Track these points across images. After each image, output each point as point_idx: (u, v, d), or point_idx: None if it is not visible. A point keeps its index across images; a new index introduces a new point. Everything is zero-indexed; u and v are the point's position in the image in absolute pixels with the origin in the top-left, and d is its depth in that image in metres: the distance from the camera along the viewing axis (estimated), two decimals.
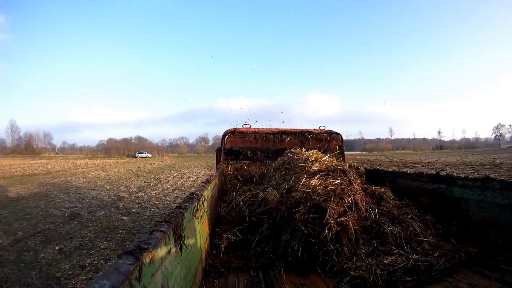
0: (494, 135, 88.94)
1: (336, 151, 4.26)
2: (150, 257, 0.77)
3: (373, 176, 3.41)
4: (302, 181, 2.15)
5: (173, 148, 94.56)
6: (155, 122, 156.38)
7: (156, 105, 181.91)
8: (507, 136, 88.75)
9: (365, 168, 3.53)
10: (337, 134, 4.41)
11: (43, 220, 6.07)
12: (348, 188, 2.07)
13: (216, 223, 2.41)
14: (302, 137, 4.29)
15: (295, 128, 4.40)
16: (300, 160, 2.73)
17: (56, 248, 4.33)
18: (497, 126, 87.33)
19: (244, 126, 4.27)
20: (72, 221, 6.03)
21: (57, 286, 3.21)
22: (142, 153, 65.61)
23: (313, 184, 2.09)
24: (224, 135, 4.19)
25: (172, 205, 7.45)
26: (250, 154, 4.19)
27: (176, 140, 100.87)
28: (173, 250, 0.99)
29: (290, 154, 3.10)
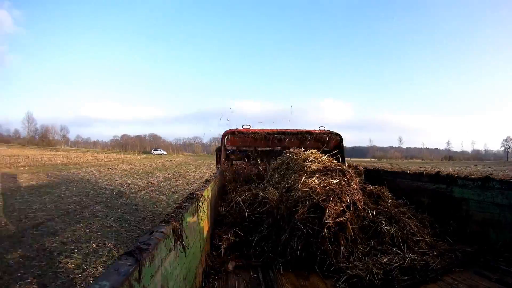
0: (503, 147, 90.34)
1: (335, 151, 4.27)
2: (150, 258, 0.77)
3: (373, 176, 3.41)
4: (302, 181, 2.16)
5: (187, 147, 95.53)
6: (167, 120, 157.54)
7: (169, 104, 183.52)
8: None
9: (364, 168, 3.53)
10: (337, 134, 4.40)
11: (97, 196, 7.77)
12: (347, 187, 2.08)
13: (217, 222, 2.42)
14: (302, 138, 4.29)
15: (295, 128, 4.40)
16: (299, 160, 2.76)
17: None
18: (506, 139, 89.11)
19: (244, 127, 4.27)
20: (121, 198, 7.64)
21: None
22: (157, 150, 67.47)
23: (312, 183, 2.10)
24: (224, 135, 4.19)
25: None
26: (250, 154, 4.19)
27: (190, 139, 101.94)
28: (173, 251, 0.99)
29: (289, 154, 3.13)
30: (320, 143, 4.31)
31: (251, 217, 2.36)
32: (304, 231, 1.83)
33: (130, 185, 10.08)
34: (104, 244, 4.08)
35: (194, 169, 19.26)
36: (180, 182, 11.78)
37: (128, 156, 42.54)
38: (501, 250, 1.86)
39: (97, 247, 3.93)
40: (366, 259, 1.76)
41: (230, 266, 1.78)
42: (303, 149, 3.25)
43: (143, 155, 49.67)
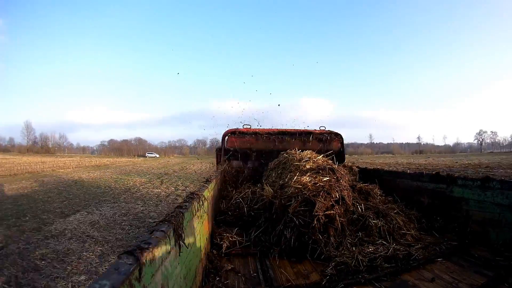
0: (477, 140, 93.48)
1: (336, 151, 4.27)
2: (150, 257, 0.77)
3: (373, 176, 3.41)
4: (294, 178, 2.33)
5: (174, 149, 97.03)
6: (149, 123, 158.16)
7: (150, 107, 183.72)
8: (488, 141, 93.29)
9: (364, 168, 3.61)
10: (337, 134, 4.40)
11: (154, 178, 13.00)
12: (336, 184, 2.24)
13: (217, 221, 2.50)
14: (303, 138, 4.28)
15: (295, 128, 4.39)
16: (295, 160, 2.89)
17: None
18: (479, 132, 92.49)
19: (245, 127, 4.26)
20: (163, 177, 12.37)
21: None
22: (151, 153, 73.86)
23: (304, 181, 2.27)
24: (224, 135, 4.18)
25: (206, 175, 13.14)
26: (250, 154, 4.18)
27: (175, 142, 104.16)
28: (173, 250, 0.99)
29: (286, 154, 3.26)
30: (321, 142, 4.30)
31: (250, 212, 2.51)
32: (297, 222, 1.99)
33: (163, 174, 15.15)
34: None
35: (192, 165, 23.52)
36: (192, 169, 18.60)
37: (131, 159, 45.86)
38: (501, 250, 1.86)
39: None
40: (354, 248, 1.90)
41: (229, 266, 1.81)
42: (300, 150, 3.39)
43: (141, 158, 53.04)
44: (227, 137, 4.17)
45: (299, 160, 2.84)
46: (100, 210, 6.10)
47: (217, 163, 4.32)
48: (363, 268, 1.71)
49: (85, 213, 5.81)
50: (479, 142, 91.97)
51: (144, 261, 0.72)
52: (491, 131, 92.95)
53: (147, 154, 70.78)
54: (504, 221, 1.92)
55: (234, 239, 2.14)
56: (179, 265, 1.06)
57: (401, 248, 1.90)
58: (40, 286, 2.80)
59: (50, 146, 79.22)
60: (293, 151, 3.31)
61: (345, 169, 3.23)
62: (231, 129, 4.19)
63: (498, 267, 1.67)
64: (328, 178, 2.30)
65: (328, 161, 2.94)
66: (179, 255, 1.06)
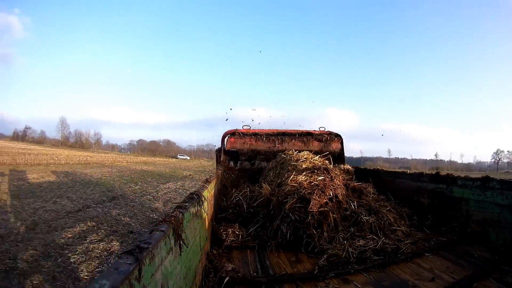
0: (493, 160, 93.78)
1: (336, 152, 4.27)
2: (150, 257, 0.77)
3: (373, 176, 3.41)
4: (291, 177, 2.48)
5: (201, 154, 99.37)
6: (174, 125, 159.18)
7: (175, 110, 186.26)
8: (505, 161, 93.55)
9: (353, 167, 3.76)
10: (337, 135, 4.39)
11: (197, 172, 19.79)
12: (330, 183, 2.39)
13: (217, 220, 2.59)
14: (303, 138, 4.28)
15: (295, 129, 4.39)
16: (292, 160, 3.01)
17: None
18: (497, 151, 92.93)
19: (244, 127, 4.26)
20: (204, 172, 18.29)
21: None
22: (182, 155, 78.12)
23: (300, 179, 2.42)
24: (224, 136, 4.18)
25: None
26: (250, 155, 4.18)
27: (203, 146, 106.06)
28: (173, 250, 0.99)
29: (284, 155, 3.37)
30: (321, 143, 4.30)
31: (249, 209, 2.66)
32: (292, 218, 2.14)
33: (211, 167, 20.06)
34: None
35: None
36: None
37: (165, 159, 52.18)
38: (501, 250, 1.86)
39: None
40: (345, 242, 2.02)
41: (230, 267, 1.81)
42: (300, 151, 3.49)
43: (174, 159, 57.70)
44: (227, 137, 4.17)
45: (296, 160, 2.96)
46: (180, 183, 12.35)
47: (217, 164, 4.32)
48: (353, 260, 1.83)
49: (173, 183, 12.18)
50: (496, 161, 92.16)
51: (144, 261, 0.72)
52: (507, 151, 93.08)
53: (178, 156, 74.93)
54: (504, 221, 1.92)
55: (237, 232, 2.29)
56: (178, 265, 1.05)
57: (390, 242, 2.02)
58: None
59: (84, 141, 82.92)
60: (290, 152, 3.39)
61: (341, 170, 3.33)
62: (231, 130, 4.19)
63: (484, 262, 1.74)
64: (322, 177, 2.44)
65: (324, 161, 3.04)
66: (179, 255, 1.06)
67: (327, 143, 4.32)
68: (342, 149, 4.37)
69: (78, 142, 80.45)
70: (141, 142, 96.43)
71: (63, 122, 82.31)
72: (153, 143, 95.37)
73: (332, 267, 1.77)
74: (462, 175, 2.40)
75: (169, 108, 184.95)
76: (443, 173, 2.60)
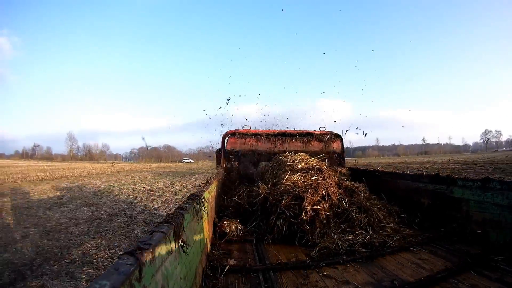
0: (482, 140, 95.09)
1: (337, 152, 4.29)
2: (151, 257, 0.77)
3: (373, 176, 3.42)
4: (286, 177, 2.67)
5: (202, 156, 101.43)
6: (171, 130, 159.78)
7: (168, 114, 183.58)
8: (494, 140, 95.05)
9: (352, 168, 3.86)
10: (338, 135, 4.40)
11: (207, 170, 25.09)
12: (323, 183, 2.56)
13: (220, 214, 2.76)
14: (303, 138, 4.29)
15: (296, 129, 4.39)
16: (288, 161, 3.17)
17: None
18: (485, 131, 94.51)
19: (244, 128, 4.26)
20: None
21: None
22: (186, 159, 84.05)
23: (294, 179, 2.60)
24: (224, 137, 4.18)
25: None
26: (250, 155, 4.18)
27: (203, 148, 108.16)
28: (173, 251, 0.99)
29: (280, 156, 3.51)
30: (321, 143, 4.31)
31: (248, 207, 2.81)
32: (287, 214, 2.30)
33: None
34: None
35: None
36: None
37: (171, 164, 55.81)
38: (501, 250, 1.86)
39: None
40: (335, 236, 2.16)
41: (231, 262, 1.88)
42: (299, 151, 3.66)
43: (179, 163, 62.05)
44: (227, 138, 4.17)
45: (292, 161, 3.13)
46: (202, 175, 18.17)
47: (217, 164, 4.32)
48: (342, 251, 1.97)
49: (201, 175, 17.86)
50: (485, 141, 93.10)
51: (144, 261, 0.73)
52: (495, 130, 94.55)
53: (183, 160, 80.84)
54: (504, 221, 1.92)
55: (238, 227, 2.47)
56: (179, 266, 1.06)
57: (378, 237, 2.16)
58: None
59: (94, 154, 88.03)
60: (287, 154, 3.54)
61: (336, 171, 3.47)
62: (231, 130, 4.19)
63: (469, 256, 1.81)
64: (316, 177, 2.62)
65: (320, 162, 3.18)
66: (179, 256, 1.06)
67: (328, 143, 4.33)
68: (342, 149, 4.38)
69: (87, 155, 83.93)
70: (142, 150, 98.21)
71: (71, 137, 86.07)
72: (154, 149, 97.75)
73: (323, 258, 1.92)
74: (462, 176, 2.41)
75: (163, 112, 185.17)
76: (443, 174, 2.60)
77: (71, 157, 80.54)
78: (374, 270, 1.72)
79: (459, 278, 1.57)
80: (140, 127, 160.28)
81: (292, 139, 4.28)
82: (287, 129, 4.41)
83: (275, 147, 4.21)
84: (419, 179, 2.74)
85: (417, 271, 1.67)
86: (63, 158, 79.41)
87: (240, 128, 4.26)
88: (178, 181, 14.49)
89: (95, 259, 3.66)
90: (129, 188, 11.37)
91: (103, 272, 0.64)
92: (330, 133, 4.37)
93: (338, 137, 4.39)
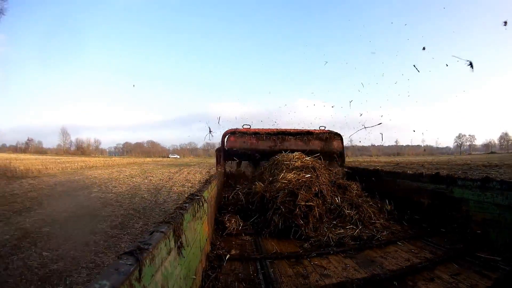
0: (456, 144, 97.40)
1: (337, 151, 4.29)
2: (150, 257, 0.77)
3: (372, 176, 3.42)
4: (281, 175, 2.81)
5: (186, 152, 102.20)
6: (150, 126, 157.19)
7: (148, 110, 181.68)
8: (467, 144, 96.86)
9: (353, 168, 3.99)
10: (337, 134, 4.40)
11: (202, 163, 31.84)
12: (316, 180, 2.71)
13: (221, 210, 2.92)
14: (303, 137, 4.28)
15: (296, 128, 4.39)
16: (285, 160, 3.28)
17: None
18: (459, 135, 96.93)
19: (244, 127, 4.26)
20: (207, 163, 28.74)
21: None
22: (173, 155, 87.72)
23: (289, 177, 2.73)
24: (224, 135, 4.18)
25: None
26: (250, 154, 4.17)
27: (186, 144, 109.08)
28: (173, 251, 0.99)
29: (277, 156, 3.59)
30: (322, 142, 4.30)
31: (247, 204, 2.95)
32: (283, 210, 2.45)
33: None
34: None
35: (211, 160, 31.58)
36: (213, 161, 25.90)
37: (160, 159, 57.06)
38: (501, 250, 1.86)
39: None
40: (326, 230, 2.31)
41: (232, 251, 2.08)
42: (290, 151, 3.74)
43: (166, 158, 64.11)
44: (227, 137, 4.17)
45: (289, 160, 3.25)
46: (197, 166, 24.77)
47: (217, 163, 4.32)
48: (333, 243, 2.11)
49: (193, 167, 22.87)
50: (458, 145, 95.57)
51: (144, 261, 0.73)
52: (469, 135, 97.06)
53: (170, 156, 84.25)
54: (504, 221, 1.92)
55: (238, 222, 2.61)
56: (179, 266, 1.06)
57: (367, 231, 2.31)
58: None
59: (85, 148, 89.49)
60: (284, 154, 3.61)
61: (330, 171, 3.53)
62: (231, 129, 4.19)
63: (451, 250, 1.93)
64: (309, 175, 2.77)
65: (316, 161, 3.28)
66: (179, 256, 1.07)
67: (328, 142, 4.32)
68: (342, 148, 4.38)
69: (79, 149, 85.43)
70: (127, 144, 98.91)
71: (64, 131, 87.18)
72: (138, 144, 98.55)
73: (314, 248, 2.09)
74: (462, 176, 2.40)
75: (142, 108, 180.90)
76: (442, 173, 2.60)
77: (64, 151, 79.91)
78: (361, 260, 1.87)
79: (442, 268, 1.69)
80: (120, 122, 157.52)
81: (292, 138, 4.27)
82: (287, 128, 4.40)
83: (275, 145, 4.19)
84: (419, 178, 2.74)
85: (401, 261, 1.81)
86: (56, 152, 77.87)
87: (240, 127, 4.26)
88: (186, 170, 18.90)
89: None
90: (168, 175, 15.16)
91: (103, 273, 0.64)
92: (330, 132, 4.36)
93: (338, 136, 4.38)
